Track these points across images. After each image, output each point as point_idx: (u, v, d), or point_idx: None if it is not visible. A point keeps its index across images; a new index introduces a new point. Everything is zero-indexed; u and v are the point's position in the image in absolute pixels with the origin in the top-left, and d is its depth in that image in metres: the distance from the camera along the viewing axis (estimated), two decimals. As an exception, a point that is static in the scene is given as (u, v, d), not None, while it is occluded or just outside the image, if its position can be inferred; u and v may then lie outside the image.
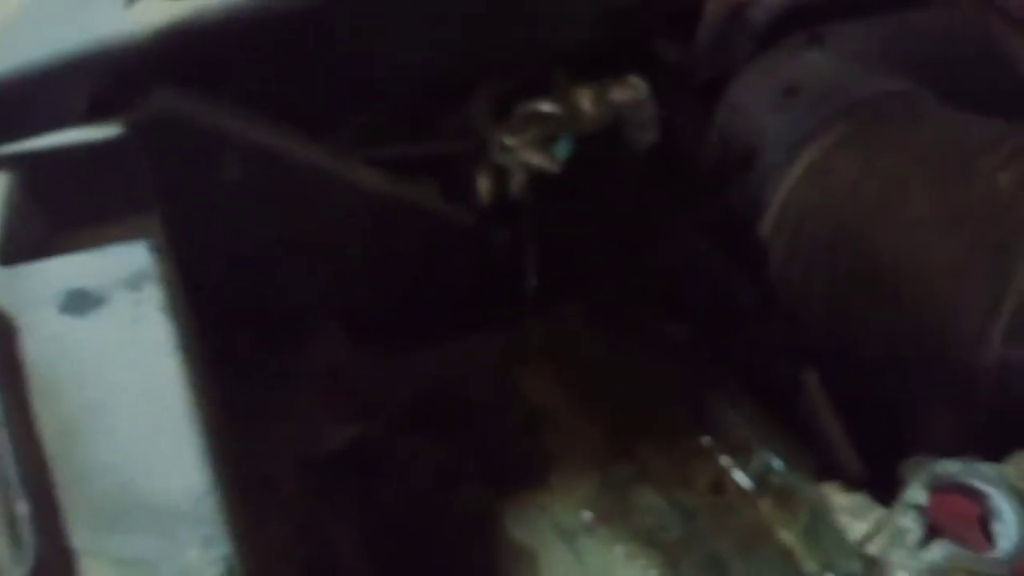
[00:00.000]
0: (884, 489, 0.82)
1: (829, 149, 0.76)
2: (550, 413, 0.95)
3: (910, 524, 0.51)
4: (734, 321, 0.94)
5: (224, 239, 0.88)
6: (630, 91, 0.81)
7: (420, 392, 0.95)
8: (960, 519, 0.55)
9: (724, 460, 0.88)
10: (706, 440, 0.90)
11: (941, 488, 0.53)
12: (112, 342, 0.60)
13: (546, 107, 0.76)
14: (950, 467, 0.53)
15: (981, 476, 0.52)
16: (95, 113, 0.77)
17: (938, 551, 0.50)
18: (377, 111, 1.00)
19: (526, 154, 0.77)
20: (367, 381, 0.95)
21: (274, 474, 0.87)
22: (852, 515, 0.53)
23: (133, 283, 0.63)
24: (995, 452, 0.68)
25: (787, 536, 0.81)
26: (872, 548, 0.52)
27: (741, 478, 0.86)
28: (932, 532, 0.51)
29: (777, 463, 0.84)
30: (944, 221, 0.69)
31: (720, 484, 0.87)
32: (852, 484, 0.83)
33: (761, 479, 0.85)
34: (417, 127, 1.02)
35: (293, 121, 0.90)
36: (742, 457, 0.87)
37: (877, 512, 0.53)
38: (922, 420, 0.79)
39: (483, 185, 0.96)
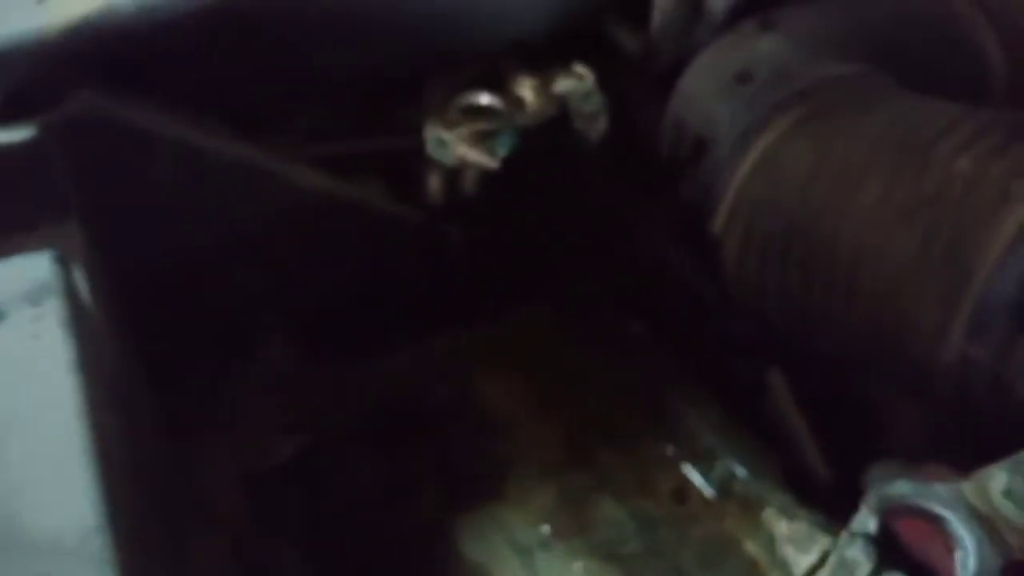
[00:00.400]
0: (852, 492, 0.79)
1: (781, 138, 0.72)
2: (508, 420, 0.91)
3: (858, 556, 0.46)
4: (696, 320, 0.90)
5: (157, 244, 0.84)
6: (575, 81, 0.77)
7: (371, 400, 0.91)
8: (929, 542, 0.50)
9: (686, 467, 0.84)
10: (668, 446, 0.86)
11: (894, 513, 0.48)
12: (8, 361, 0.56)
13: (484, 100, 0.72)
14: (902, 488, 0.48)
15: (936, 498, 0.47)
16: (7, 114, 0.73)
17: (891, 585, 0.45)
18: (320, 108, 0.96)
19: (462, 149, 0.73)
20: (315, 390, 0.91)
21: (212, 489, 0.83)
22: (796, 546, 0.48)
23: (33, 297, 0.59)
24: (965, 453, 0.65)
25: (752, 547, 0.77)
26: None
27: (704, 486, 0.82)
28: (893, 557, 0.47)
29: (741, 470, 0.80)
30: (900, 211, 0.64)
31: (682, 492, 0.82)
32: (818, 488, 0.80)
33: (725, 487, 0.81)
34: (364, 124, 0.98)
35: (229, 120, 0.86)
36: (705, 464, 0.82)
37: (822, 542, 0.48)
38: (887, 419, 0.75)
39: (433, 183, 0.92)
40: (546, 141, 0.83)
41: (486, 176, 0.88)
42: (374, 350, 0.93)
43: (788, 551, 0.47)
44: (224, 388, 0.88)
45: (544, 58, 0.97)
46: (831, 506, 0.78)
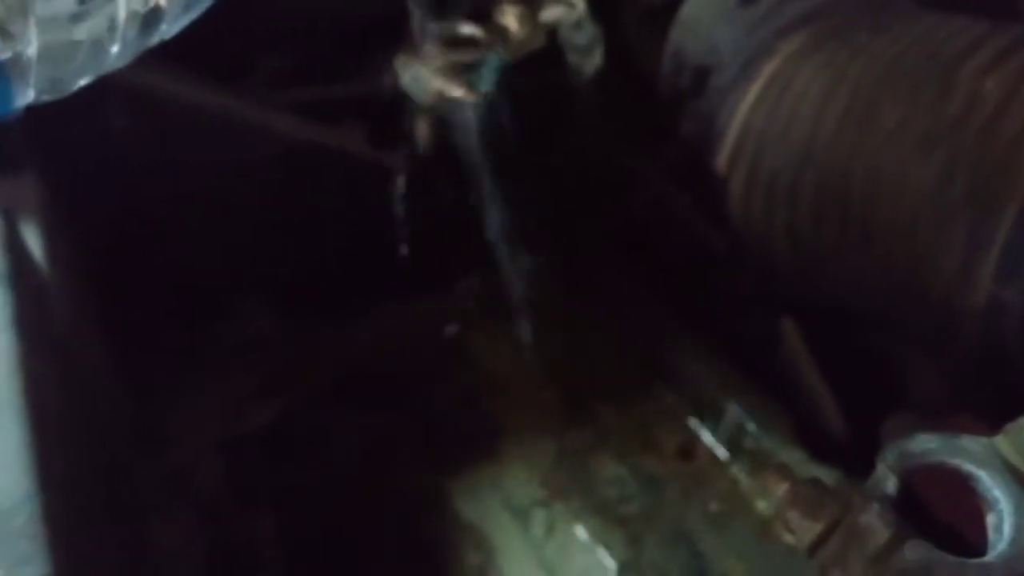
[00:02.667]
0: (870, 448, 0.73)
1: (789, 63, 0.66)
2: (501, 377, 0.86)
3: (874, 521, 0.40)
4: (701, 267, 0.84)
5: (119, 198, 0.79)
6: (564, 8, 0.70)
7: (353, 361, 0.86)
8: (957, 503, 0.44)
9: (692, 422, 0.79)
10: (673, 401, 0.80)
11: (916, 471, 0.42)
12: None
13: (463, 29, 0.66)
14: (925, 443, 0.42)
15: (965, 453, 0.41)
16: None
17: (911, 554, 0.39)
18: (295, 49, 0.90)
19: (439, 83, 0.67)
20: (293, 351, 0.86)
21: (184, 458, 0.78)
22: (802, 511, 0.41)
23: (-31, 252, 0.54)
24: (991, 406, 0.59)
25: (763, 506, 0.72)
26: (826, 555, 0.40)
27: (711, 442, 0.77)
28: (914, 522, 0.41)
29: (751, 425, 0.75)
30: (919, 137, 0.58)
31: (688, 449, 0.77)
32: (834, 443, 0.75)
33: (734, 443, 0.75)
34: (343, 66, 0.92)
35: (194, 63, 0.80)
36: (712, 419, 0.77)
37: (832, 507, 0.41)
38: (906, 369, 0.70)
39: (420, 129, 0.86)
40: (535, 77, 0.77)
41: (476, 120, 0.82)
42: (356, 308, 0.88)
43: (793, 516, 0.41)
44: (196, 351, 0.83)
45: None
46: (848, 463, 0.73)
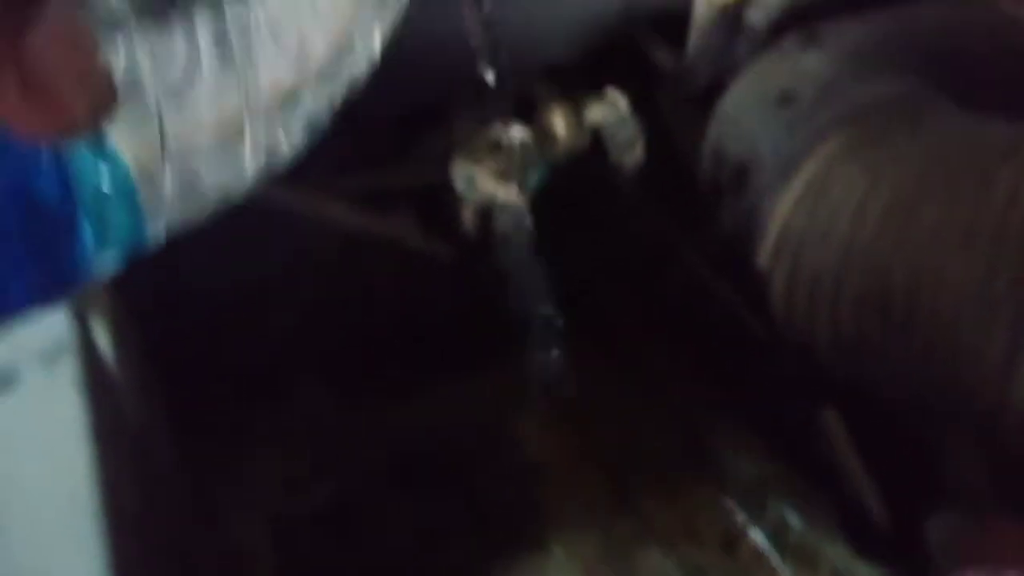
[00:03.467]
0: (910, 540, 0.74)
1: (828, 165, 0.68)
2: (545, 463, 0.87)
3: None
4: (743, 355, 0.85)
5: (181, 286, 0.82)
6: (608, 108, 0.73)
7: (403, 443, 0.88)
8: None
9: (736, 513, 0.79)
10: (716, 491, 0.81)
11: None
12: (20, 427, 0.54)
13: (513, 133, 0.69)
14: None
15: None
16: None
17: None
18: (346, 141, 0.94)
19: (491, 186, 0.70)
20: (345, 432, 0.88)
21: (239, 538, 0.80)
22: None
23: (48, 357, 0.57)
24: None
25: (809, 602, 0.73)
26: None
27: (755, 534, 0.78)
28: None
29: (794, 518, 0.76)
30: (960, 235, 0.59)
31: (732, 541, 0.78)
32: (877, 536, 0.76)
33: (777, 536, 0.76)
34: (392, 156, 0.95)
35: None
36: (756, 510, 0.78)
37: None
38: (949, 464, 0.70)
39: (466, 217, 0.89)
40: (580, 172, 0.80)
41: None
42: (406, 390, 0.90)
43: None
44: (252, 431, 0.86)
45: (576, 78, 0.93)
46: (891, 556, 0.74)
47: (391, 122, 0.96)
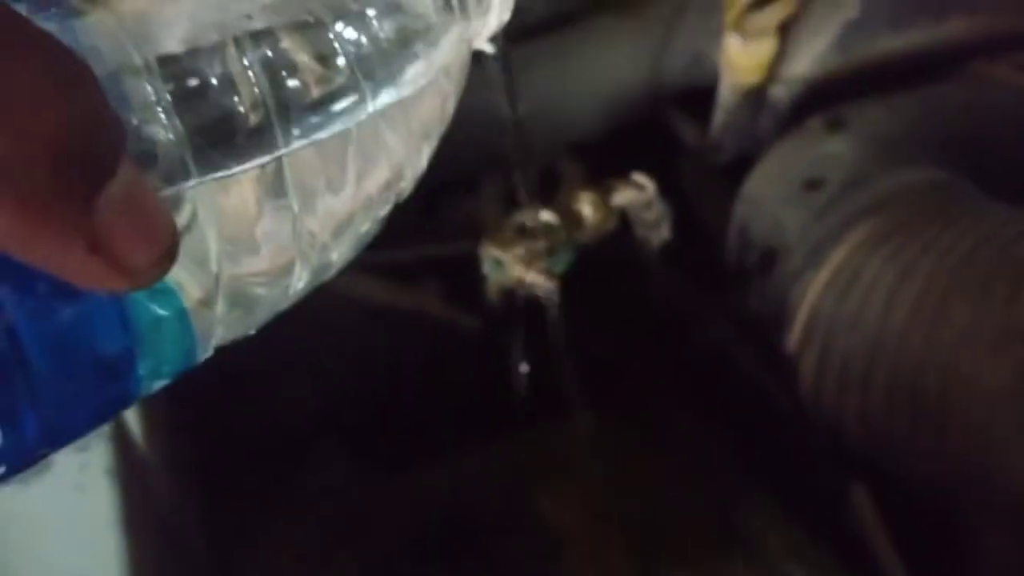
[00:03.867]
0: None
1: (857, 252, 0.68)
2: (566, 536, 0.86)
3: None
4: (770, 429, 0.85)
5: (204, 362, 0.83)
6: (635, 192, 0.74)
7: (424, 515, 0.88)
8: None
9: (762, 591, 0.79)
10: (742, 567, 0.81)
11: None
12: (52, 516, 0.54)
13: (540, 217, 0.70)
14: None
15: None
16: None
17: None
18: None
19: (519, 270, 0.70)
20: (366, 504, 0.88)
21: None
22: None
23: (80, 443, 0.57)
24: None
25: None
26: None
27: (783, 614, 0.77)
28: None
29: (822, 597, 0.75)
30: (993, 339, 0.60)
31: (759, 619, 0.77)
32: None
33: (805, 616, 0.75)
34: (417, 229, 0.96)
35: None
36: (783, 588, 0.77)
37: None
38: (979, 545, 0.70)
39: (491, 292, 0.90)
40: (606, 250, 0.80)
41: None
42: (428, 461, 0.90)
43: None
44: (274, 500, 0.86)
45: (601, 153, 0.95)
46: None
47: (416, 195, 0.97)
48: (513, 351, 0.90)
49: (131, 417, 0.64)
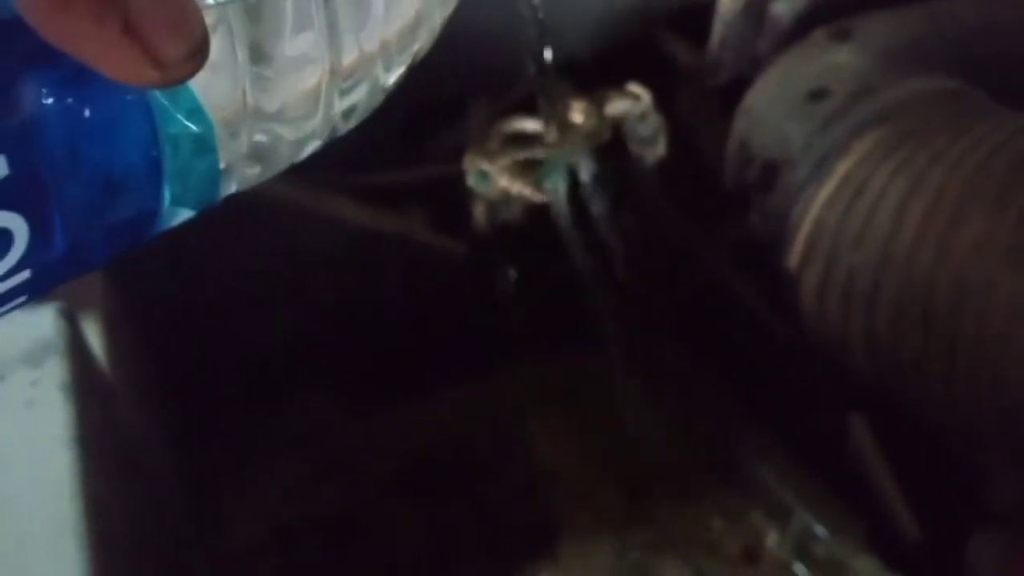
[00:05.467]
0: (943, 556, 0.70)
1: (865, 162, 0.64)
2: (559, 471, 0.84)
3: None
4: (767, 360, 0.82)
5: (183, 285, 0.79)
6: (630, 101, 0.69)
7: (412, 449, 0.85)
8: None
9: (758, 524, 0.76)
10: (737, 501, 0.78)
11: None
12: (1, 432, 0.51)
13: (529, 126, 0.65)
14: None
15: None
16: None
17: None
18: (356, 136, 0.91)
19: (506, 182, 0.66)
20: (352, 438, 0.85)
21: (242, 546, 0.77)
22: None
23: (33, 358, 0.54)
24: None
25: (835, 617, 0.69)
26: None
27: (778, 545, 0.74)
28: None
29: (820, 529, 0.72)
30: (1007, 251, 0.56)
31: (754, 552, 0.75)
32: (907, 551, 0.72)
33: (802, 548, 0.73)
34: (403, 152, 0.92)
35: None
36: (779, 521, 0.74)
37: None
38: (989, 478, 0.67)
39: (478, 213, 0.86)
40: (598, 167, 0.76)
41: (534, 205, 0.81)
42: (414, 394, 0.87)
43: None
44: (255, 438, 0.83)
45: (593, 76, 0.90)
46: (921, 570, 0.70)
47: (401, 118, 0.93)
48: (499, 277, 0.87)
49: (93, 339, 0.61)
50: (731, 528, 0.77)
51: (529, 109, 0.84)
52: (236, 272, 0.79)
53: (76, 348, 0.55)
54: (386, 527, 0.81)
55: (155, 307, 0.74)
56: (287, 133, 0.27)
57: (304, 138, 0.28)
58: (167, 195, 0.25)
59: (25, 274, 0.22)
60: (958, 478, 0.70)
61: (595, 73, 0.90)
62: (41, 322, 0.55)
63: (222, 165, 0.26)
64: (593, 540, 0.78)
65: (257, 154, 0.27)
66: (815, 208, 0.65)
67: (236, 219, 0.79)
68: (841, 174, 0.64)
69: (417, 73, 0.93)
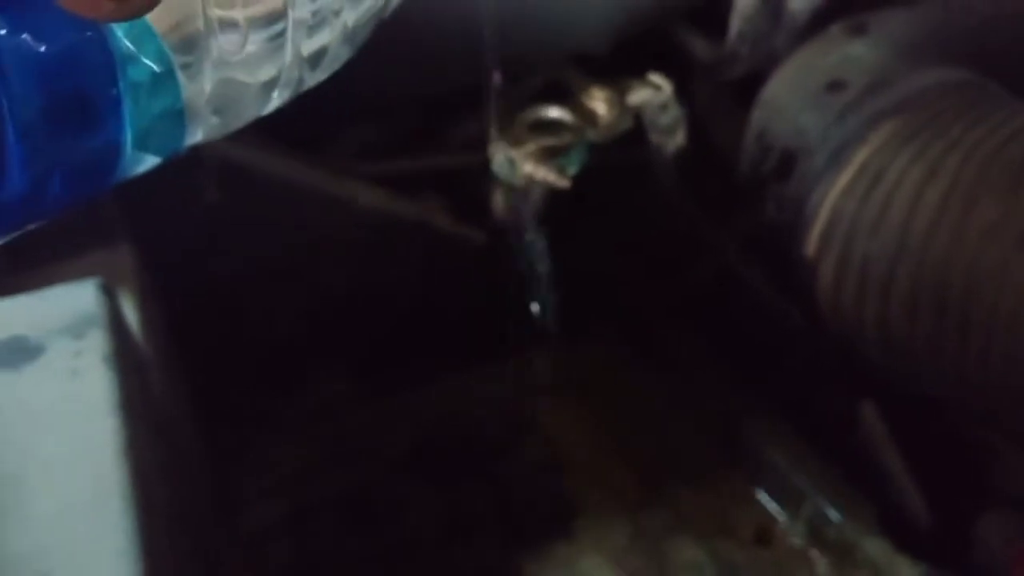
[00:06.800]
0: (954, 538, 0.72)
1: (882, 151, 0.65)
2: (574, 454, 0.85)
3: None
4: (780, 346, 0.83)
5: (207, 269, 0.80)
6: (651, 92, 0.71)
7: (428, 431, 0.86)
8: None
9: (771, 508, 0.77)
10: (750, 484, 0.79)
11: None
12: (45, 400, 0.52)
13: (554, 113, 0.67)
14: None
15: None
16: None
17: None
18: (376, 124, 0.92)
19: (531, 168, 0.68)
20: (368, 420, 0.86)
21: (258, 526, 0.79)
22: None
23: (75, 330, 0.55)
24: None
25: (846, 598, 0.71)
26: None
27: (791, 528, 0.76)
28: None
29: (832, 512, 0.74)
30: (1020, 236, 0.57)
31: (766, 534, 0.76)
32: (919, 534, 0.74)
33: (814, 531, 0.74)
34: (422, 140, 0.93)
35: (282, 136, 0.82)
36: (792, 504, 0.76)
37: None
38: (998, 463, 0.68)
39: (497, 201, 0.87)
40: (619, 156, 0.78)
41: (553, 193, 0.83)
42: (431, 377, 0.88)
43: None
44: (272, 417, 0.84)
45: (610, 69, 0.92)
46: (932, 551, 0.72)
47: (420, 105, 0.94)
48: (514, 264, 0.88)
49: (130, 314, 0.62)
50: (744, 511, 0.78)
51: (546, 99, 0.85)
52: (256, 255, 0.81)
53: (115, 321, 0.57)
54: (400, 507, 0.82)
55: (181, 287, 0.75)
56: (249, 78, 0.27)
57: (269, 83, 0.28)
58: (128, 136, 0.25)
59: None
60: (968, 462, 0.71)
61: (612, 66, 0.92)
62: (83, 296, 0.57)
63: (184, 108, 0.26)
64: (607, 522, 0.79)
65: (221, 100, 0.27)
66: (832, 196, 0.67)
67: (258, 203, 0.81)
68: (858, 163, 0.66)
69: (435, 62, 0.95)
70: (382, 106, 0.92)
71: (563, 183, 0.68)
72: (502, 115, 0.78)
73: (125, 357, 0.55)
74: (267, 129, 0.79)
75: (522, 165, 0.67)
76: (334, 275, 0.85)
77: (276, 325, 0.85)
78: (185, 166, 0.78)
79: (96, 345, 0.54)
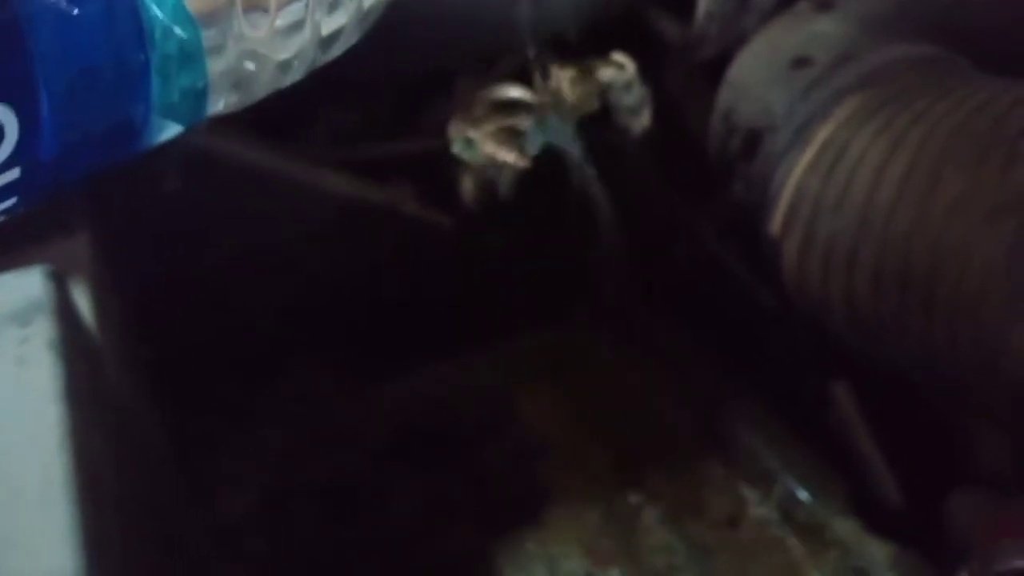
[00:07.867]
0: (924, 518, 0.71)
1: (845, 127, 0.65)
2: (548, 440, 0.84)
3: None
4: (751, 327, 0.83)
5: (173, 258, 0.80)
6: (615, 70, 0.70)
7: (402, 419, 0.86)
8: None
9: (743, 489, 0.77)
10: (722, 467, 0.79)
11: None
12: (-10, 389, 0.51)
13: (514, 93, 0.66)
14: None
15: None
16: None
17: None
18: (346, 110, 0.91)
19: (490, 148, 0.67)
20: (343, 409, 0.86)
21: (235, 517, 0.78)
22: None
23: (21, 317, 0.54)
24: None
25: (818, 579, 0.70)
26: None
27: (762, 510, 0.75)
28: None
29: (803, 493, 0.73)
30: (986, 212, 0.57)
31: (738, 517, 0.76)
32: (890, 514, 0.73)
33: (785, 512, 0.74)
34: (392, 126, 0.93)
35: (248, 123, 0.81)
36: (763, 486, 0.76)
37: None
38: (969, 441, 0.68)
39: (466, 185, 0.86)
40: (584, 137, 0.77)
41: (522, 177, 0.82)
42: (405, 363, 0.87)
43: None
44: (245, 407, 0.84)
45: (579, 51, 0.91)
46: (905, 534, 0.71)
47: (390, 90, 0.93)
48: (487, 249, 0.87)
49: (82, 301, 0.61)
50: (716, 494, 0.78)
51: (515, 81, 0.85)
52: (224, 242, 0.80)
53: (64, 308, 0.56)
54: (378, 496, 0.82)
55: (143, 277, 0.74)
56: (271, 54, 0.28)
57: (287, 61, 0.29)
58: (155, 103, 0.25)
59: (15, 172, 0.23)
60: (939, 441, 0.71)
61: (581, 48, 0.91)
62: (29, 283, 0.56)
63: (208, 80, 0.26)
64: (581, 504, 0.79)
65: (241, 75, 0.27)
66: (796, 174, 0.66)
67: (225, 190, 0.80)
68: (822, 139, 0.65)
69: (406, 48, 0.93)
70: (353, 92, 0.91)
71: (522, 163, 0.67)
72: (466, 96, 0.77)
73: (73, 344, 0.54)
74: (232, 115, 0.79)
75: (482, 145, 0.66)
76: (305, 261, 0.84)
77: (248, 313, 0.84)
78: (148, 154, 0.78)
79: (42, 332, 0.53)
